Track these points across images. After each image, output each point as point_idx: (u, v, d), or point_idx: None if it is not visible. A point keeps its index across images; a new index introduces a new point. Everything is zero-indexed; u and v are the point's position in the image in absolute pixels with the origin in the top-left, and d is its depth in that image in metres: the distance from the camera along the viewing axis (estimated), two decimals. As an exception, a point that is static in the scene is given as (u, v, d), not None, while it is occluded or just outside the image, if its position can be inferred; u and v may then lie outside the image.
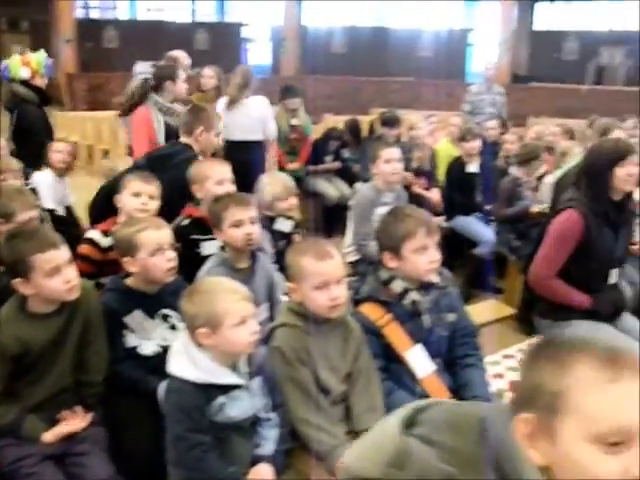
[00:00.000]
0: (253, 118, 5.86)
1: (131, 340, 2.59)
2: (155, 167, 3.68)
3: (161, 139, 4.73)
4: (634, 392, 1.06)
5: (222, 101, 5.94)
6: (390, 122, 6.47)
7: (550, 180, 5.35)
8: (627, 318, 3.42)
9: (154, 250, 2.57)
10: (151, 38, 16.90)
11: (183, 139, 4.06)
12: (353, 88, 16.52)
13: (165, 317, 2.63)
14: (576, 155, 4.98)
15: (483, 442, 1.11)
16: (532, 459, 1.11)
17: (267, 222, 3.59)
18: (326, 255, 2.31)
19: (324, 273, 2.28)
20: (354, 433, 2.31)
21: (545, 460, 1.10)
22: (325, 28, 20.71)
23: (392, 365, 2.53)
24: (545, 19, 21.24)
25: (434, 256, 2.54)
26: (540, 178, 5.56)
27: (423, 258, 2.52)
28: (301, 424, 2.25)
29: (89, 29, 18.73)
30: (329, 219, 7.36)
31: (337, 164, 7.47)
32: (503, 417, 1.16)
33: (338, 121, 9.61)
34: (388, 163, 4.25)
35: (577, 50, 19.64)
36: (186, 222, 3.36)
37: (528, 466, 1.12)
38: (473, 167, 5.83)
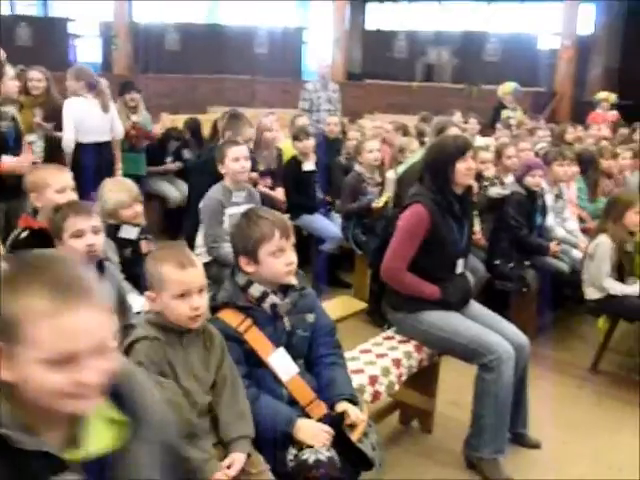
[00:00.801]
0: (102, 118, 5.61)
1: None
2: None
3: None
4: (79, 321, 1.18)
5: (70, 102, 5.61)
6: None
7: (392, 175, 5.51)
8: (474, 305, 3.59)
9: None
10: (-34, 33, 15.68)
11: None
12: (189, 86, 16.23)
13: None
14: (417, 151, 5.16)
15: None
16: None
17: (111, 230, 3.40)
18: (188, 263, 2.23)
19: (185, 282, 2.20)
20: (223, 444, 2.25)
21: (12, 378, 1.19)
22: (157, 24, 20.17)
23: (256, 370, 2.49)
24: (376, 19, 21.99)
25: (291, 258, 2.53)
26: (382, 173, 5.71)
27: (280, 261, 2.50)
28: None
29: None
30: (173, 222, 7.21)
31: (178, 165, 7.31)
32: None
33: (176, 120, 9.38)
34: (236, 161, 4.21)
35: (406, 49, 20.49)
36: (24, 235, 3.11)
37: None
38: (309, 165, 5.88)
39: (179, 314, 2.20)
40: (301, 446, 2.34)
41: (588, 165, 5.99)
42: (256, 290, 2.50)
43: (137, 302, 2.99)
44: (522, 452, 3.59)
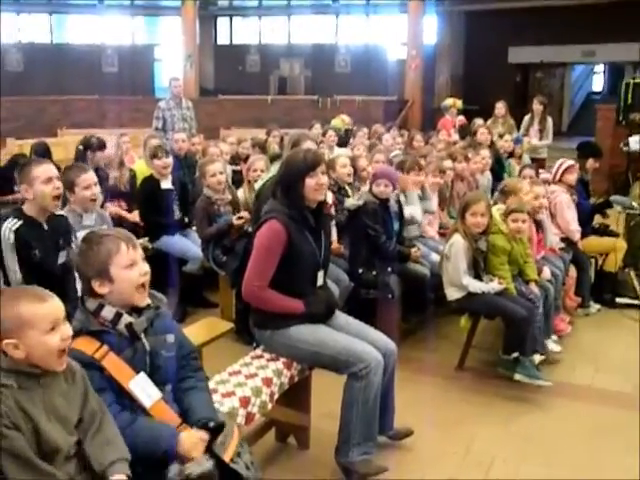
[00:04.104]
0: None
1: None
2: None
3: None
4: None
5: None
6: (95, 145, 6.14)
7: (241, 195, 5.46)
8: (339, 315, 3.58)
9: None
10: None
11: None
12: (36, 109, 15.52)
13: None
14: (271, 167, 5.13)
15: None
16: None
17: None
18: (45, 295, 2.11)
19: (51, 313, 2.08)
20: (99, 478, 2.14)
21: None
22: (-4, 45, 19.16)
23: (123, 400, 2.37)
24: (227, 33, 21.96)
25: (144, 268, 2.47)
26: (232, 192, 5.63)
27: (135, 272, 2.43)
28: None
29: None
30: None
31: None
32: None
33: (23, 146, 8.94)
34: (87, 189, 4.12)
35: (259, 63, 20.60)
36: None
37: None
38: (167, 183, 5.72)
39: (50, 350, 2.07)
40: (182, 460, 2.29)
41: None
42: (109, 312, 2.40)
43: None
44: (398, 454, 3.63)
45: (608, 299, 6.15)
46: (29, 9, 20.06)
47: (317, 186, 3.32)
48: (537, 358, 4.48)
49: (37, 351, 2.06)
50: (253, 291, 3.35)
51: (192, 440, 2.33)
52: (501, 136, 8.64)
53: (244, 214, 5.15)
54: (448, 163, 6.25)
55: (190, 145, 7.11)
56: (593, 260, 6.33)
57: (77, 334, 2.34)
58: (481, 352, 4.98)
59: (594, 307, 6.01)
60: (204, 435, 2.36)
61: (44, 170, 3.63)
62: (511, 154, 8.37)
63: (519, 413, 4.19)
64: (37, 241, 3.54)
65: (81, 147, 6.54)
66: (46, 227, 3.65)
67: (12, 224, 3.53)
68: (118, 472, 2.13)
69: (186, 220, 5.80)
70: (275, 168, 4.54)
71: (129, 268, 2.41)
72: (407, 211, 5.30)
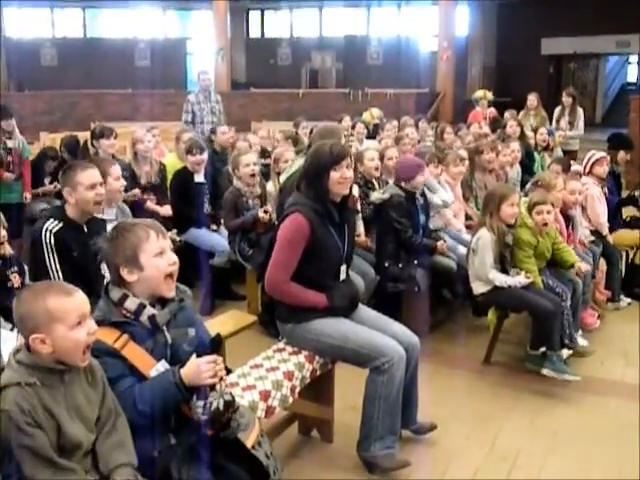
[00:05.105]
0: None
1: None
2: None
3: None
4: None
5: None
6: (105, 134, 6.15)
7: (271, 189, 5.46)
8: (363, 309, 3.57)
9: None
10: None
11: None
12: (69, 103, 15.72)
13: None
14: (296, 159, 5.13)
15: None
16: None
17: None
18: (71, 289, 2.13)
19: (78, 307, 2.11)
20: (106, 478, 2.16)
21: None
22: (32, 39, 19.45)
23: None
24: (259, 27, 22.00)
25: (172, 258, 2.49)
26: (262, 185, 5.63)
27: (163, 260, 2.45)
28: None
29: None
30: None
31: (57, 186, 6.99)
32: None
33: (56, 139, 9.05)
34: (117, 180, 4.10)
35: (291, 56, 20.61)
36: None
37: None
38: (200, 177, 5.79)
39: (76, 345, 2.09)
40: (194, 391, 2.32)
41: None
42: (132, 303, 2.41)
43: (11, 339, 2.80)
44: (422, 448, 3.61)
45: (638, 293, 6.05)
46: (62, 4, 20.32)
47: (342, 179, 3.29)
48: (565, 353, 4.42)
49: (64, 345, 2.07)
50: (275, 285, 3.35)
51: (192, 369, 2.31)
52: (535, 130, 8.52)
53: (269, 208, 5.15)
54: (464, 153, 6.22)
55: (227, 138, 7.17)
56: (624, 253, 6.23)
57: (98, 324, 2.36)
58: (509, 346, 4.93)
59: (624, 301, 5.91)
60: (202, 359, 2.33)
61: (88, 176, 3.57)
62: (546, 147, 8.26)
63: (546, 408, 4.14)
64: (76, 243, 3.51)
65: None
66: (86, 229, 3.61)
67: (52, 225, 3.51)
68: (121, 476, 2.15)
69: (214, 227, 5.84)
70: (300, 161, 4.53)
71: (158, 256, 2.44)
72: (435, 199, 5.28)
